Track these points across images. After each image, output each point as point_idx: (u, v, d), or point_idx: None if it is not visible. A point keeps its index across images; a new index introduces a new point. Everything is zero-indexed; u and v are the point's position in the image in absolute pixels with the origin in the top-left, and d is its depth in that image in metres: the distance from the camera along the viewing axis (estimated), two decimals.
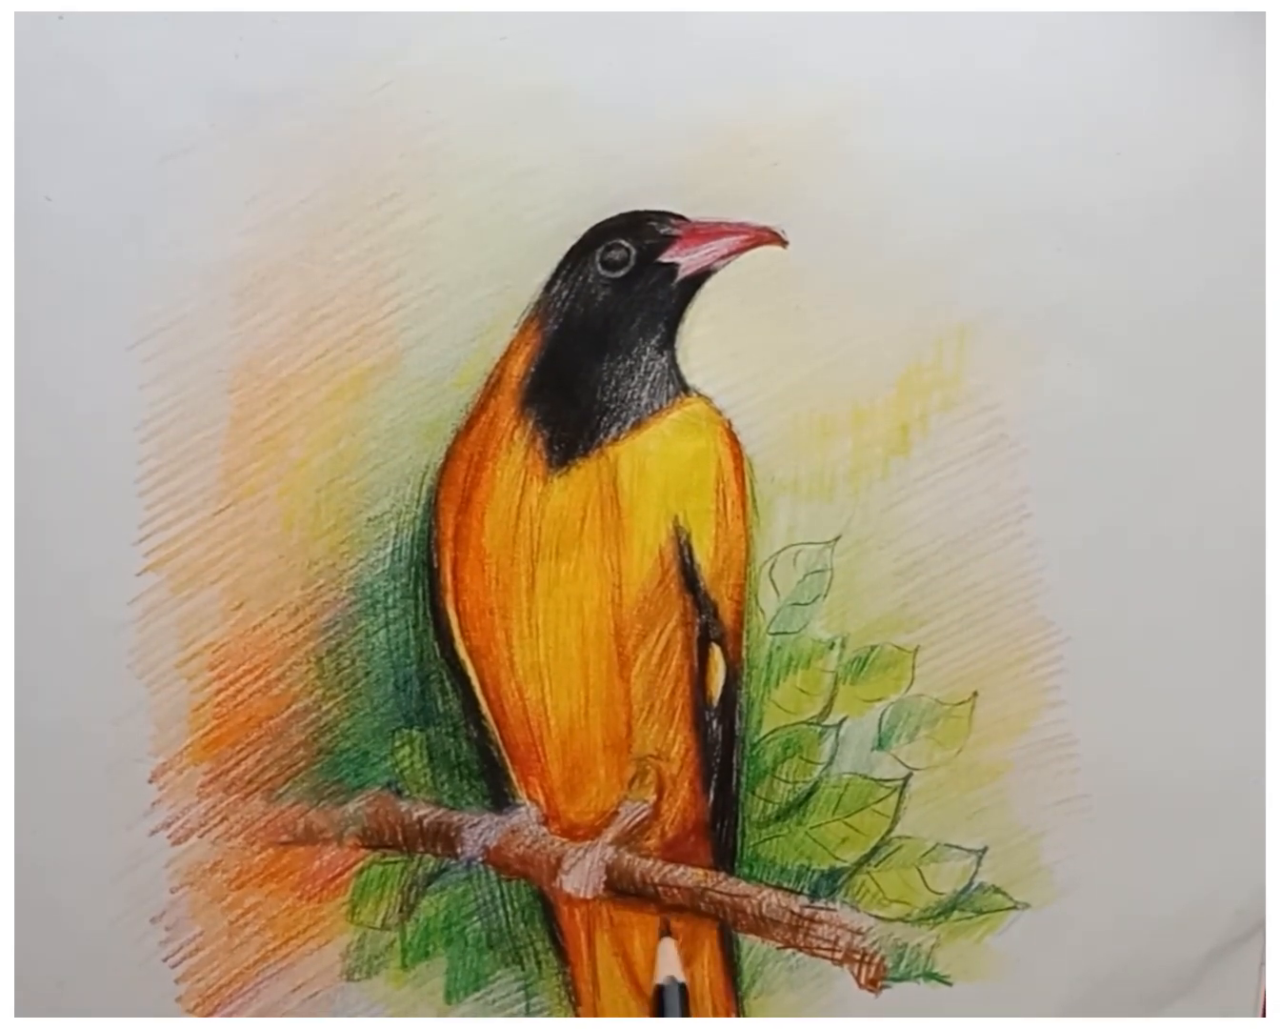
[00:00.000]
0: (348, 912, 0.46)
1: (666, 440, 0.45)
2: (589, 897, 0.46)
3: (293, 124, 0.43)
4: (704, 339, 0.45)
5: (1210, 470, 0.46)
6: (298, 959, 0.46)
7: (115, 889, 0.45)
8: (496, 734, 0.46)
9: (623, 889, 0.46)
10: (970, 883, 0.47)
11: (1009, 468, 0.46)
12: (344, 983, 0.46)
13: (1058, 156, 0.45)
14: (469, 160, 0.44)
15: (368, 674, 0.45)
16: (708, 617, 0.45)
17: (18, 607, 0.44)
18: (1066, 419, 0.46)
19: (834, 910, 0.46)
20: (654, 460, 0.45)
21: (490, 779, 0.46)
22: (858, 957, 0.46)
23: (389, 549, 0.45)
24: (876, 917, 0.47)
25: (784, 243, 0.44)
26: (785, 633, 0.46)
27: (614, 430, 0.44)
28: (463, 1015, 0.47)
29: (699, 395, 0.45)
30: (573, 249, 0.44)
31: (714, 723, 0.46)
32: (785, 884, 0.46)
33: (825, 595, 0.46)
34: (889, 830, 0.46)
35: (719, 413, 0.45)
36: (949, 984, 0.47)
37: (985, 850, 0.47)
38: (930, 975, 0.47)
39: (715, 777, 0.46)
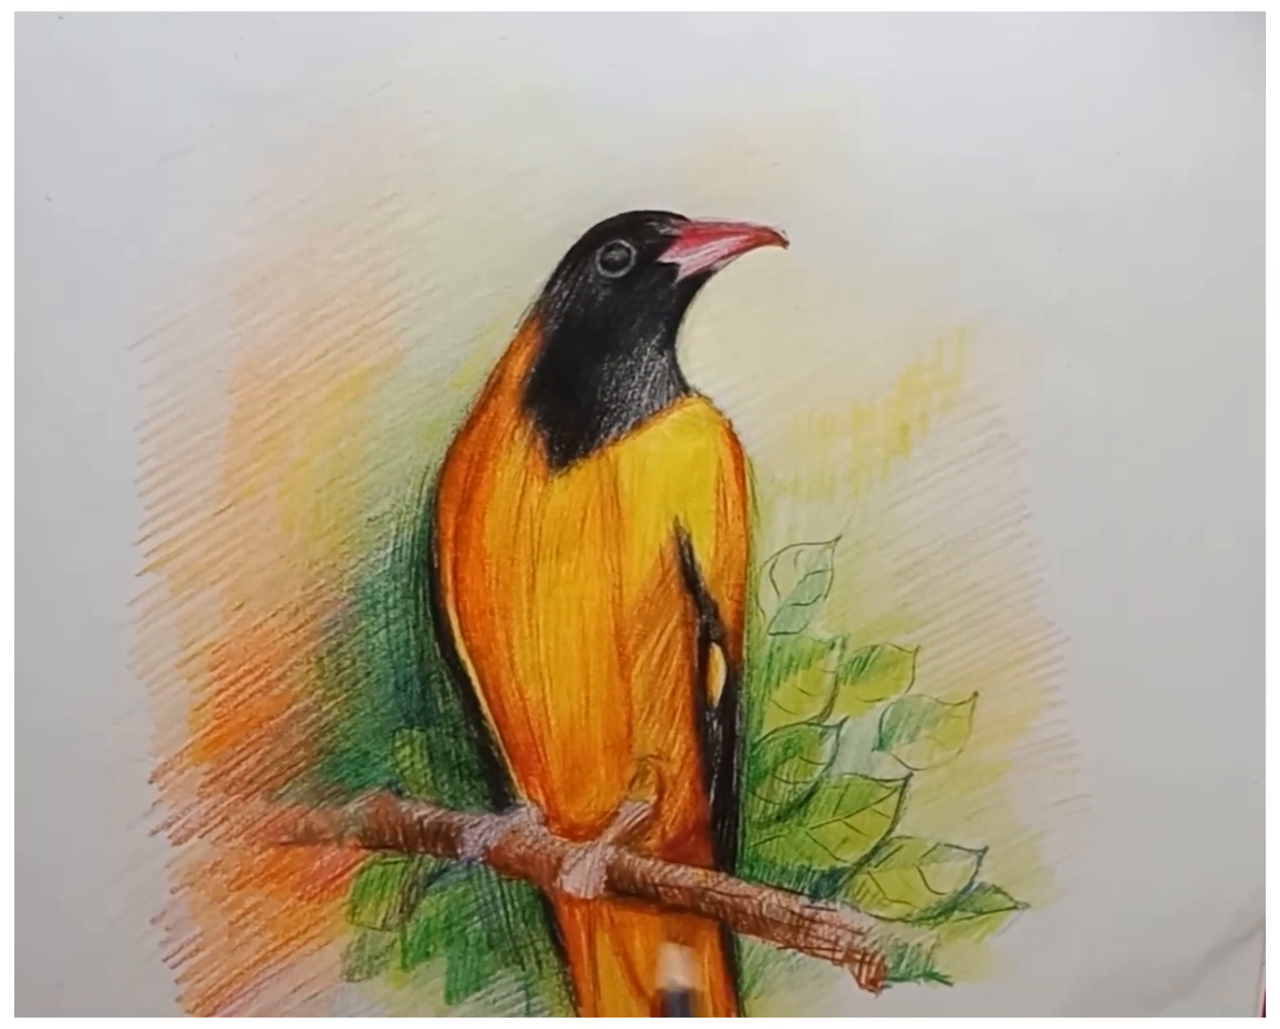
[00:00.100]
0: (348, 912, 0.46)
1: (667, 440, 0.45)
2: (589, 897, 0.46)
3: (293, 124, 0.43)
4: (704, 339, 0.45)
5: (1210, 470, 0.46)
6: (298, 959, 0.46)
7: (115, 889, 0.45)
8: (497, 734, 0.46)
9: (623, 889, 0.46)
10: (970, 883, 0.47)
11: (1009, 468, 0.46)
12: (344, 983, 0.46)
13: (1058, 156, 0.45)
14: (469, 160, 0.44)
15: (368, 674, 0.45)
16: (708, 617, 0.45)
17: (18, 607, 0.44)
18: (1066, 419, 0.46)
19: (834, 911, 0.46)
20: (654, 460, 0.45)
21: (490, 779, 0.46)
22: (858, 957, 0.46)
23: (389, 549, 0.45)
24: (877, 917, 0.47)
25: (784, 243, 0.44)
26: (786, 633, 0.46)
27: (614, 430, 0.44)
28: (463, 1015, 0.47)
29: (699, 395, 0.45)
30: (573, 249, 0.44)
31: (714, 723, 0.46)
32: (785, 884, 0.46)
33: (825, 595, 0.46)
34: (889, 830, 0.46)
35: (719, 413, 0.45)
36: (949, 984, 0.47)
37: (985, 850, 0.47)
38: (930, 975, 0.47)
39: (716, 777, 0.46)
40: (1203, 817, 0.47)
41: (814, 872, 0.47)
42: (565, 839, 0.46)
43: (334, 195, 0.43)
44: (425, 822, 0.46)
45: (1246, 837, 0.47)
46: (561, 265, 0.44)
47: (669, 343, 0.45)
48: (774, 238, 0.44)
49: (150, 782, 0.45)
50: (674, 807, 0.46)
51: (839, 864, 0.47)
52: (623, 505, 0.44)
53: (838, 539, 0.45)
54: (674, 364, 0.45)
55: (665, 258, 0.44)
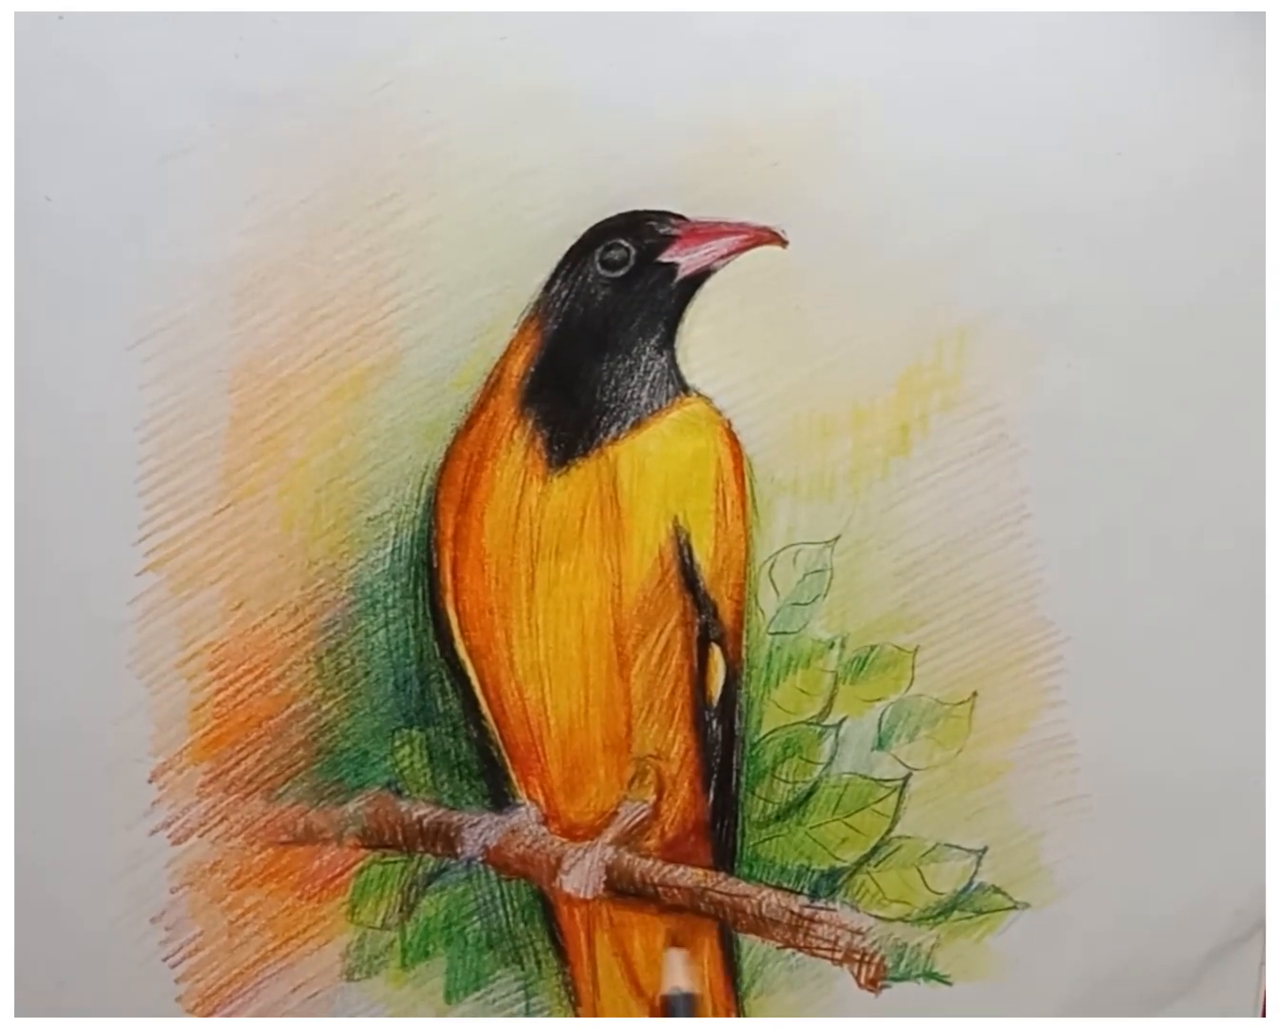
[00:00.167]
0: (348, 912, 0.46)
1: (666, 440, 0.45)
2: (589, 897, 0.46)
3: (293, 124, 0.43)
4: (704, 339, 0.45)
5: (1210, 470, 0.46)
6: (298, 959, 0.46)
7: (115, 889, 0.45)
8: (496, 734, 0.46)
9: (623, 889, 0.46)
10: (970, 883, 0.47)
11: (1009, 468, 0.46)
12: (344, 983, 0.46)
13: (1058, 156, 0.45)
14: (469, 160, 0.44)
15: (367, 674, 0.45)
16: (707, 616, 0.45)
17: (18, 607, 0.44)
18: (1066, 419, 0.46)
19: (834, 910, 0.46)
20: (654, 460, 0.45)
21: (490, 779, 0.46)
22: (858, 957, 0.46)
23: (389, 549, 0.45)
24: (876, 917, 0.47)
25: (784, 243, 0.44)
26: (785, 633, 0.46)
27: (614, 430, 0.44)
28: (463, 1015, 0.47)
29: (699, 395, 0.45)
30: (572, 249, 0.44)
31: (714, 723, 0.46)
32: (785, 884, 0.46)
33: (825, 595, 0.46)
34: (889, 830, 0.46)
35: (719, 413, 0.45)
36: (949, 984, 0.47)
37: (985, 850, 0.47)
38: (930, 975, 0.47)
39: (715, 777, 0.46)
40: (1203, 817, 0.47)
41: (813, 871, 0.47)
42: (565, 839, 0.46)
43: (334, 195, 0.43)
44: (425, 821, 0.46)
45: (1246, 837, 0.47)
46: (561, 265, 0.44)
47: (668, 342, 0.45)
48: (774, 238, 0.44)
49: (150, 781, 0.45)
50: (673, 806, 0.46)
51: (838, 864, 0.47)
52: (622, 505, 0.44)
53: (837, 539, 0.45)
54: (673, 363, 0.45)
55: (665, 257, 0.44)
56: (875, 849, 0.47)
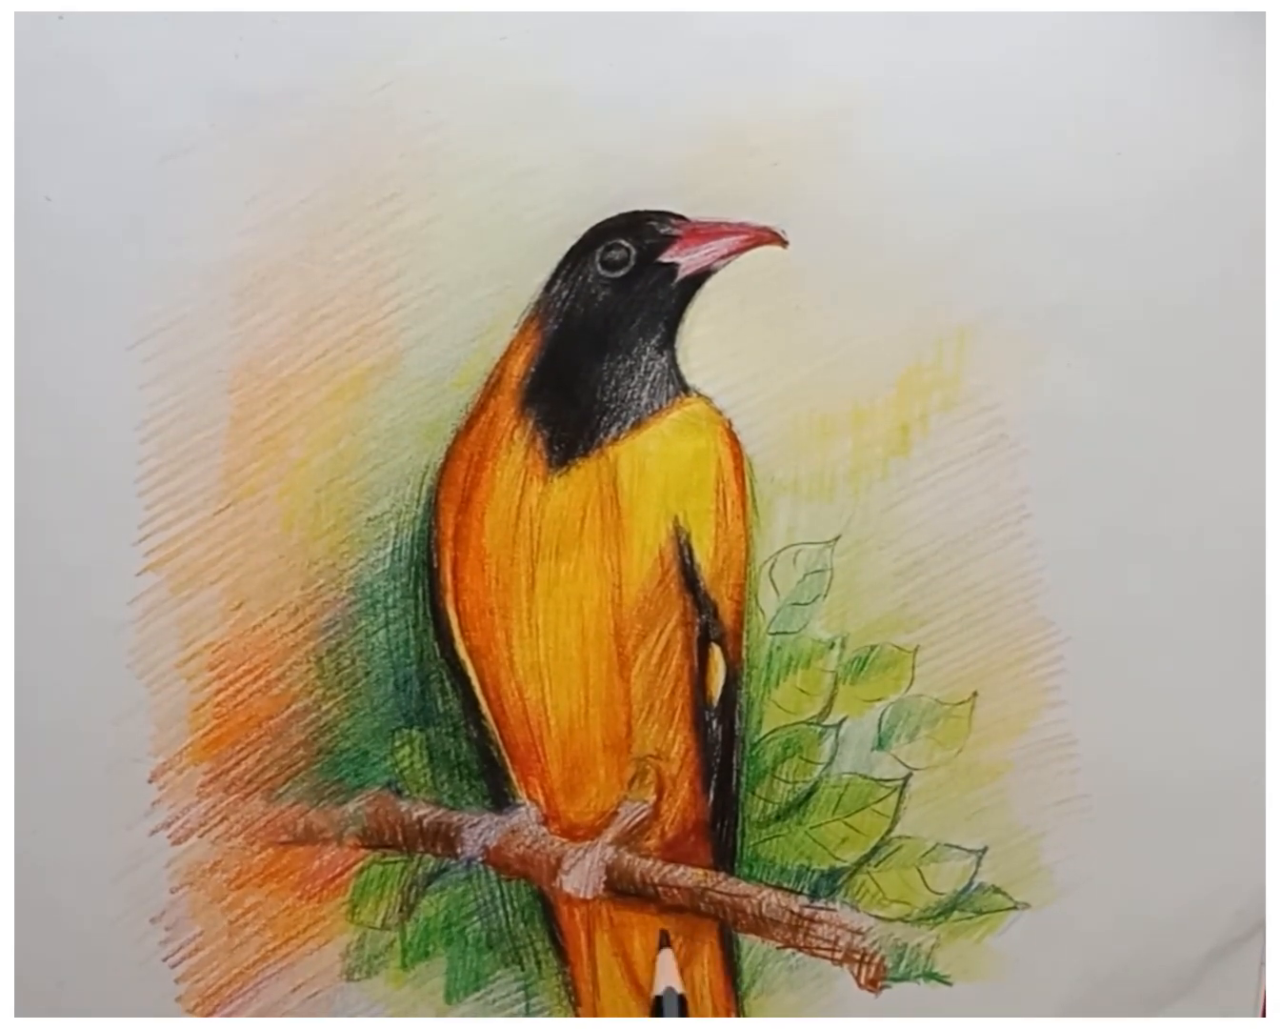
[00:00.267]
0: (348, 912, 0.46)
1: (666, 440, 0.45)
2: (589, 897, 0.46)
3: (293, 124, 0.43)
4: (704, 339, 0.45)
5: (1210, 470, 0.46)
6: (298, 959, 0.46)
7: (115, 889, 0.45)
8: (496, 734, 0.46)
9: (623, 889, 0.46)
10: (970, 883, 0.47)
11: (1009, 468, 0.46)
12: (344, 983, 0.46)
13: (1058, 156, 0.45)
14: (469, 160, 0.44)
15: (368, 674, 0.45)
16: (708, 617, 0.45)
17: (18, 606, 0.44)
18: (1066, 419, 0.46)
19: (834, 910, 0.46)
20: (654, 460, 0.45)
21: (490, 779, 0.46)
22: (858, 957, 0.46)
23: (389, 549, 0.45)
24: (876, 917, 0.47)
25: (784, 243, 0.44)
26: (785, 633, 0.46)
27: (614, 430, 0.44)
28: (463, 1015, 0.46)
29: (699, 395, 0.45)
30: (572, 249, 0.44)
31: (714, 723, 0.46)
32: (785, 884, 0.46)
33: (825, 595, 0.46)
34: (889, 830, 0.46)
35: (719, 413, 0.45)
36: (949, 984, 0.47)
37: (985, 850, 0.47)
38: (930, 975, 0.47)
39: (715, 777, 0.46)
40: (1203, 817, 0.47)
41: (813, 871, 0.47)
42: (564, 839, 0.46)
43: (334, 195, 0.43)
44: (425, 821, 0.46)
45: (1246, 837, 0.47)
46: (561, 265, 0.44)
47: (668, 342, 0.45)
48: (774, 238, 0.44)
49: (150, 781, 0.45)
50: (673, 806, 0.46)
51: (838, 864, 0.47)
52: (622, 505, 0.44)
53: (837, 539, 0.45)
54: (674, 364, 0.45)
55: (665, 257, 0.44)
56: (875, 849, 0.47)
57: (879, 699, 0.46)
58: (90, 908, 0.45)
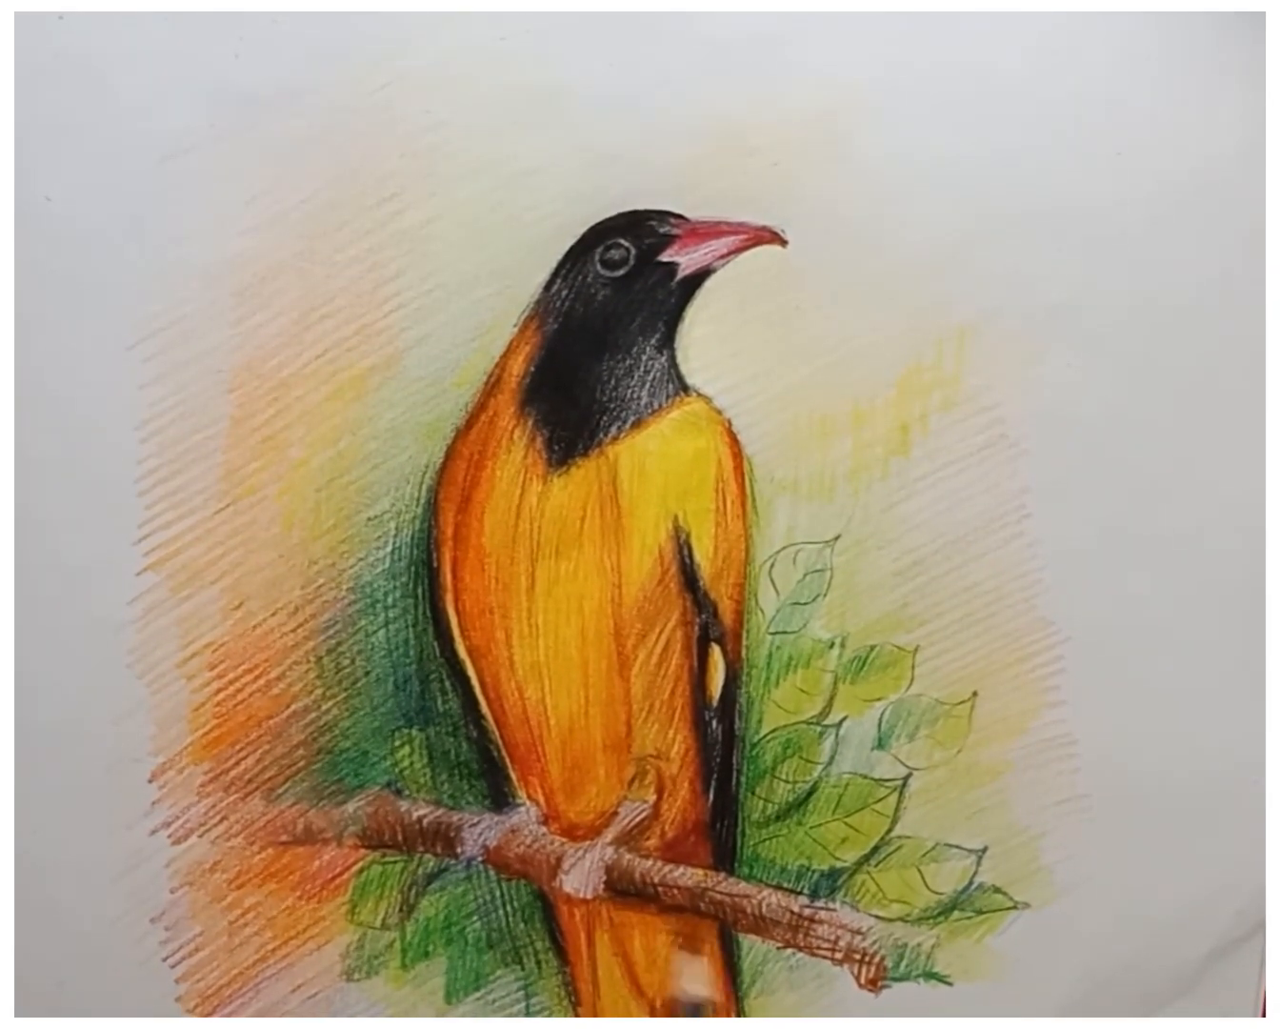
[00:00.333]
0: (348, 912, 0.46)
1: (666, 440, 0.45)
2: (589, 897, 0.46)
3: (293, 124, 0.43)
4: (704, 339, 0.45)
5: (1210, 470, 0.46)
6: (298, 959, 0.46)
7: (115, 889, 0.45)
8: (496, 734, 0.46)
9: (623, 889, 0.46)
10: (970, 883, 0.47)
11: (1009, 468, 0.46)
12: (344, 983, 0.46)
13: (1058, 156, 0.45)
14: (469, 160, 0.44)
15: (367, 674, 0.45)
16: (707, 616, 0.45)
17: (18, 606, 0.44)
18: (1066, 419, 0.46)
19: (834, 910, 0.46)
20: (654, 460, 0.45)
21: (490, 779, 0.46)
22: (858, 957, 0.46)
23: (389, 549, 0.45)
24: (876, 917, 0.47)
25: (784, 242, 0.44)
26: (785, 633, 0.46)
27: (614, 430, 0.44)
28: (463, 1015, 0.47)
29: (699, 395, 0.45)
30: (572, 249, 0.44)
31: (714, 723, 0.46)
32: (785, 884, 0.46)
33: (825, 595, 0.46)
34: (889, 830, 0.46)
35: (719, 413, 0.45)
36: (949, 984, 0.47)
37: (985, 850, 0.47)
38: (930, 975, 0.47)
39: (715, 776, 0.46)
40: (1203, 817, 0.47)
41: (813, 871, 0.47)
42: (564, 839, 0.46)
43: (334, 195, 0.43)
44: (425, 821, 0.46)
45: (1246, 837, 0.47)
46: (561, 265, 0.44)
47: (668, 342, 0.45)
48: (773, 237, 0.44)
49: (150, 781, 0.45)
50: (673, 806, 0.46)
51: (838, 864, 0.47)
52: (622, 504, 0.44)
53: (837, 539, 0.45)
54: (673, 363, 0.45)
55: (664, 257, 0.44)
56: (875, 849, 0.47)
57: (879, 699, 0.46)
58: (90, 908, 0.45)
